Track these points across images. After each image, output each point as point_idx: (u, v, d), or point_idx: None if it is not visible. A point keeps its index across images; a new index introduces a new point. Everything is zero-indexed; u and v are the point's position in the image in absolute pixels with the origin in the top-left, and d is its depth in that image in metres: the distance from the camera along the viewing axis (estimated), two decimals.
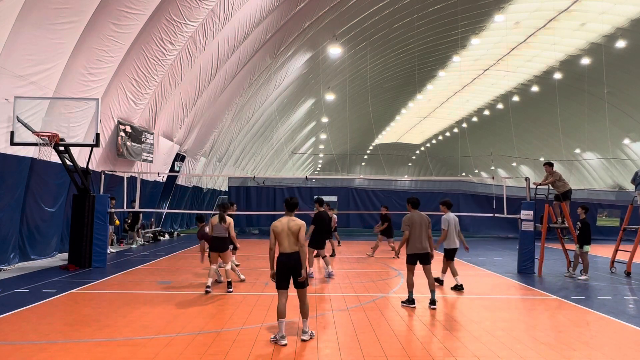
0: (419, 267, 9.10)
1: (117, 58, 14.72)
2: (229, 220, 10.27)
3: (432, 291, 9.04)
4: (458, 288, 10.69)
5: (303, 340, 6.75)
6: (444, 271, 11.31)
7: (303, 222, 7.01)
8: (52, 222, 14.60)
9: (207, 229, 10.88)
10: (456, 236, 10.99)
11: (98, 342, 6.53)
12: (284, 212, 7.12)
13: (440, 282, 11.19)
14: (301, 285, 6.88)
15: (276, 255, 6.98)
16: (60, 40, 12.25)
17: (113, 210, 15.80)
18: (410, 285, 8.98)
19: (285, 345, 6.57)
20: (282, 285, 6.87)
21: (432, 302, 8.94)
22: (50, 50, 12.13)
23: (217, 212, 10.50)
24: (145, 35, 15.47)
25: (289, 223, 6.91)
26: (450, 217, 10.92)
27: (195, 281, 11.29)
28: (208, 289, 9.88)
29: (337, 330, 7.36)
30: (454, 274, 10.86)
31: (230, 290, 10.03)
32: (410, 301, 8.96)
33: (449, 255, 11.03)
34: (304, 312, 6.93)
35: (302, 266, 6.81)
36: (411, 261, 9.03)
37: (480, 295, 10.35)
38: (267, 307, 8.67)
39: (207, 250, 10.94)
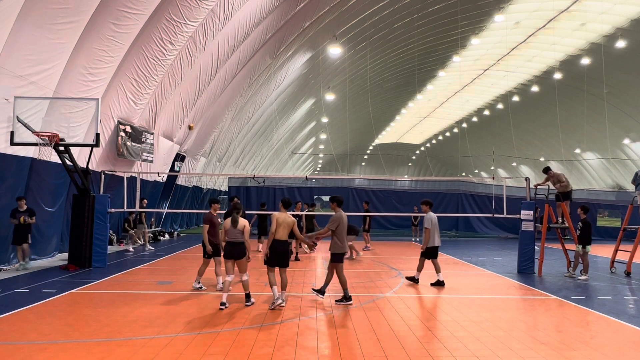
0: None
1: (117, 58, 14.72)
2: (243, 222, 8.86)
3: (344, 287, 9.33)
4: (440, 284, 11.15)
5: (280, 306, 8.60)
6: (420, 269, 11.49)
7: (294, 219, 9.07)
8: (52, 222, 14.60)
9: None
10: (438, 234, 11.35)
11: (98, 342, 6.53)
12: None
13: (416, 280, 11.44)
14: (286, 265, 8.96)
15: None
16: (60, 40, 12.25)
17: (144, 210, 17.46)
18: (344, 283, 9.27)
19: (281, 304, 8.65)
20: (273, 264, 8.84)
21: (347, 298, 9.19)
22: (50, 50, 12.13)
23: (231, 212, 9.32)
24: (145, 35, 15.46)
25: (286, 218, 8.86)
26: (433, 216, 11.31)
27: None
28: (223, 306, 8.52)
29: (337, 330, 7.37)
30: (438, 270, 11.26)
31: (249, 303, 8.77)
32: (347, 298, 9.15)
33: (432, 253, 11.28)
34: (283, 285, 8.93)
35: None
36: (341, 259, 9.31)
37: (480, 295, 10.35)
38: (267, 307, 8.67)
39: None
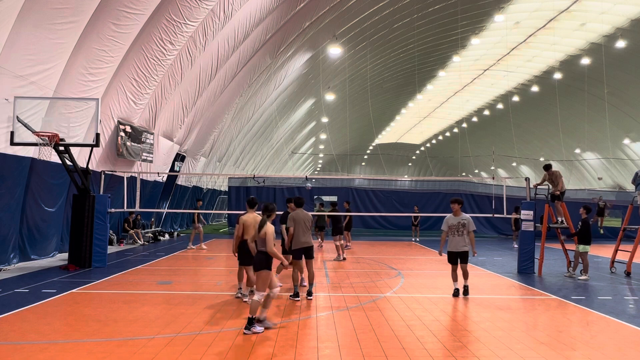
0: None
1: (117, 58, 14.72)
2: (265, 229, 7.32)
3: (311, 284, 9.66)
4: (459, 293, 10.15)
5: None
6: (466, 277, 10.07)
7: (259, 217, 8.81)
8: (52, 222, 14.60)
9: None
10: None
11: (98, 342, 6.53)
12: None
13: (466, 289, 10.07)
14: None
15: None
16: (60, 40, 12.25)
17: (198, 211, 18.53)
18: (295, 280, 9.52)
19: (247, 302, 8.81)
20: (247, 263, 8.89)
21: (309, 293, 9.53)
22: (50, 50, 12.13)
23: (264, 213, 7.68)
24: (145, 35, 15.47)
25: (255, 218, 8.69)
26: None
27: (195, 281, 11.29)
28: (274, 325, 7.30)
29: (337, 330, 7.36)
30: (456, 279, 10.15)
31: (249, 331, 6.98)
32: (296, 295, 9.39)
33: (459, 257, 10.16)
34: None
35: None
36: (298, 256, 9.55)
37: (480, 295, 10.34)
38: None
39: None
